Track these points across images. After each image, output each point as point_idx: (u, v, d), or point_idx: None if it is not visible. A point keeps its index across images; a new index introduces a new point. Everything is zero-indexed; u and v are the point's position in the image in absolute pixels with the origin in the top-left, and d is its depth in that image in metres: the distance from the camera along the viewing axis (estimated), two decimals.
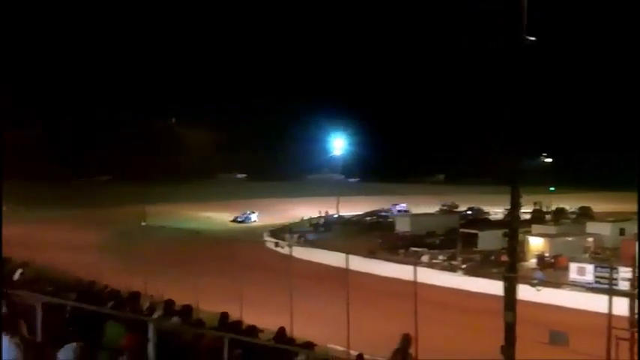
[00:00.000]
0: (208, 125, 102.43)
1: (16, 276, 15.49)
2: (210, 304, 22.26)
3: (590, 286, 37.93)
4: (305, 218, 77.65)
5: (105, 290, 18.14)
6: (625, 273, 33.01)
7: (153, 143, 77.07)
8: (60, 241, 35.29)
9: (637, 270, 16.49)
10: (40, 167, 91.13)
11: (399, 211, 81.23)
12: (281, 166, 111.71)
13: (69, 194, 78.17)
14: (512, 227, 21.20)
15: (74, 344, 5.32)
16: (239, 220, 79.87)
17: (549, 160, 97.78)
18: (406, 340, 13.19)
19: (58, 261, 32.48)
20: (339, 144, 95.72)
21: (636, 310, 15.09)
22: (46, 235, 36.60)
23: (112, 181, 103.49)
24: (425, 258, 48.79)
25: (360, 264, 43.62)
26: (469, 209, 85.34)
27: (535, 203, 79.62)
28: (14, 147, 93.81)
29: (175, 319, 13.00)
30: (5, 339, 5.76)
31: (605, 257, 43.98)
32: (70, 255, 33.18)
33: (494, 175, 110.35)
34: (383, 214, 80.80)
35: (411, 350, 13.20)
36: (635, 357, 16.90)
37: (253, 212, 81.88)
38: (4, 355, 5.59)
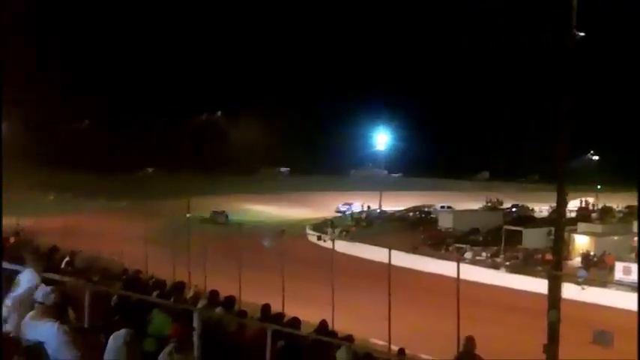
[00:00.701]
0: (253, 119, 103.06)
1: (63, 265, 15.83)
2: (251, 295, 22.49)
3: (636, 285, 37.27)
4: (347, 213, 77.70)
5: (150, 280, 18.46)
6: None
7: (198, 136, 77.82)
8: (107, 232, 35.96)
9: (637, 268, 16.22)
10: (89, 159, 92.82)
11: (442, 207, 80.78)
12: (324, 160, 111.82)
13: (116, 186, 79.45)
14: (559, 225, 21.08)
15: (123, 331, 5.47)
16: (341, 210, 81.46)
17: (596, 157, 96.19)
18: (470, 343, 13.12)
19: (105, 250, 33.08)
20: (382, 139, 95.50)
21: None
22: (94, 226, 37.30)
23: (158, 174, 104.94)
24: (468, 255, 48.51)
25: (402, 260, 43.57)
26: (513, 206, 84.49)
27: (581, 201, 78.53)
28: (65, 139, 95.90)
29: (219, 310, 13.21)
30: (54, 326, 5.94)
31: None
32: (117, 245, 33.76)
33: (540, 173, 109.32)
34: (426, 209, 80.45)
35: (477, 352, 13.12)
36: None
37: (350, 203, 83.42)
38: (53, 342, 5.77)
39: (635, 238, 51.39)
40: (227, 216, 68.66)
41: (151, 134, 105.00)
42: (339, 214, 78.06)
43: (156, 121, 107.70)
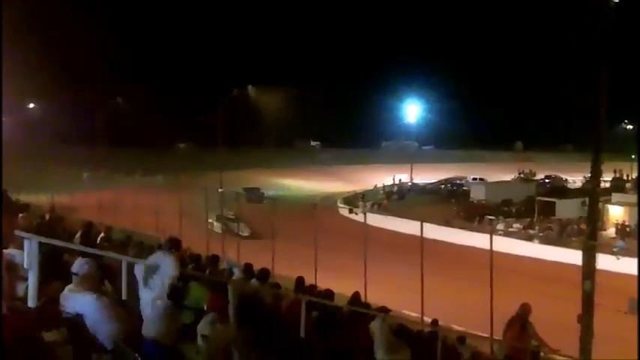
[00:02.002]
0: (285, 93, 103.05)
1: (99, 240, 16.10)
2: (285, 268, 22.65)
3: None
4: (379, 186, 77.55)
5: (185, 253, 18.67)
6: None
7: (231, 111, 78.03)
8: (142, 206, 36.34)
9: (637, 255, 15.98)
10: (123, 135, 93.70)
11: (474, 179, 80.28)
12: (355, 133, 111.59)
13: (150, 162, 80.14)
14: (593, 195, 20.90)
15: (159, 301, 5.56)
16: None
17: (630, 127, 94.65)
18: (525, 309, 13.11)
19: (140, 225, 33.51)
20: (413, 111, 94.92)
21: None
22: (129, 201, 37.72)
23: (192, 149, 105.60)
24: (501, 226, 48.23)
25: (434, 232, 43.46)
26: (547, 177, 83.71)
27: (615, 171, 77.48)
28: (99, 117, 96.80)
29: (254, 282, 13.35)
30: (92, 298, 6.04)
31: None
32: (151, 219, 34.15)
33: (573, 143, 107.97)
34: (458, 182, 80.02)
35: (530, 319, 13.10)
36: None
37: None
38: (92, 313, 5.88)
39: None
40: (263, 193, 63.73)
41: (184, 110, 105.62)
42: (371, 187, 77.89)
43: (189, 97, 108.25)
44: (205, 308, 6.71)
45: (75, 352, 5.03)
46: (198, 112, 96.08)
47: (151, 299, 7.46)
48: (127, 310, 6.54)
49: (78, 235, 15.96)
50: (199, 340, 4.99)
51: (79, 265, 6.35)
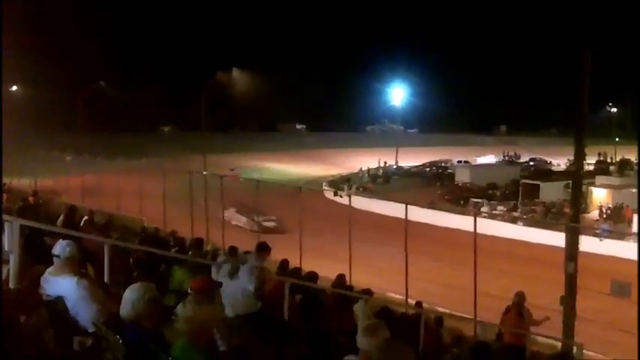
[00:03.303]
0: (269, 76, 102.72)
1: (82, 223, 15.98)
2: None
3: None
4: (364, 169, 77.59)
5: (169, 236, 18.61)
6: None
7: (214, 94, 77.55)
8: (125, 190, 36.18)
9: (637, 247, 16.09)
10: (106, 119, 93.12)
11: (459, 162, 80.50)
12: (340, 117, 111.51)
13: (133, 145, 79.71)
14: (576, 178, 21.00)
15: (137, 284, 5.50)
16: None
17: (614, 109, 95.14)
18: (520, 297, 13.25)
19: (123, 208, 33.36)
20: (398, 94, 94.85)
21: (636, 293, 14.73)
22: (112, 184, 37.53)
23: (175, 132, 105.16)
24: (485, 209, 48.42)
25: (419, 215, 43.49)
26: (531, 160, 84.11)
27: (599, 154, 77.99)
28: (81, 100, 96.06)
29: None
30: (73, 280, 6.00)
31: None
32: (135, 203, 34.01)
33: (557, 126, 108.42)
34: (443, 165, 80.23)
35: (526, 304, 13.29)
36: None
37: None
38: (72, 295, 5.83)
39: None
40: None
41: (167, 93, 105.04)
42: (356, 171, 77.91)
43: (172, 80, 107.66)
44: (188, 291, 6.67)
45: (56, 334, 4.98)
46: (182, 95, 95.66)
47: (241, 288, 9.68)
48: (108, 293, 6.50)
49: (61, 218, 15.85)
50: (179, 322, 4.94)
51: (60, 248, 6.29)
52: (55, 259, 6.22)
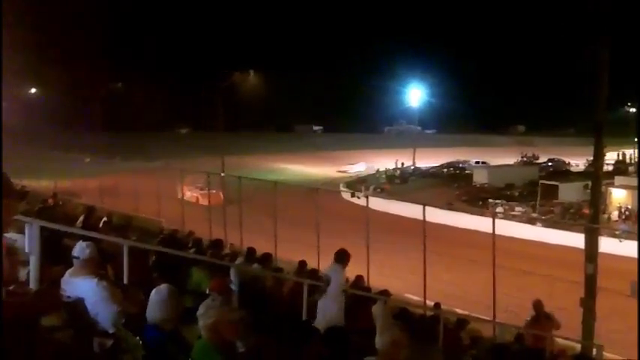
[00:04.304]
0: (286, 77, 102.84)
1: (101, 224, 16.06)
2: (287, 252, 22.65)
3: None
4: (381, 170, 77.49)
5: (188, 237, 18.68)
6: None
7: (232, 95, 77.73)
8: (144, 191, 36.32)
9: (637, 239, 15.93)
10: (125, 120, 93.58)
11: (476, 162, 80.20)
12: (357, 118, 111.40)
13: (151, 146, 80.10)
14: (596, 178, 20.86)
15: (164, 285, 5.54)
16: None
17: (633, 109, 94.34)
18: (538, 305, 13.33)
19: (142, 210, 33.48)
20: (415, 95, 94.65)
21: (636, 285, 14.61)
22: (131, 186, 37.70)
23: (193, 134, 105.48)
24: (503, 210, 48.20)
25: (437, 216, 43.43)
26: (549, 160, 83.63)
27: (618, 154, 77.41)
28: (100, 102, 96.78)
29: (256, 266, 13.34)
30: (93, 282, 6.03)
31: None
32: (153, 204, 34.13)
33: (576, 126, 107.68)
34: (460, 165, 79.96)
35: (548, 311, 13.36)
36: None
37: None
38: (92, 297, 5.86)
39: None
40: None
41: (186, 94, 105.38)
42: (374, 172, 77.79)
43: (189, 82, 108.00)
44: (207, 292, 6.70)
45: (75, 336, 5.00)
46: (199, 96, 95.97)
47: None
48: (127, 294, 6.53)
49: (80, 219, 15.95)
50: (200, 324, 4.96)
51: (80, 249, 6.33)
52: (74, 260, 6.26)
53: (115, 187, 38.92)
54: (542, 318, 13.31)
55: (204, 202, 38.03)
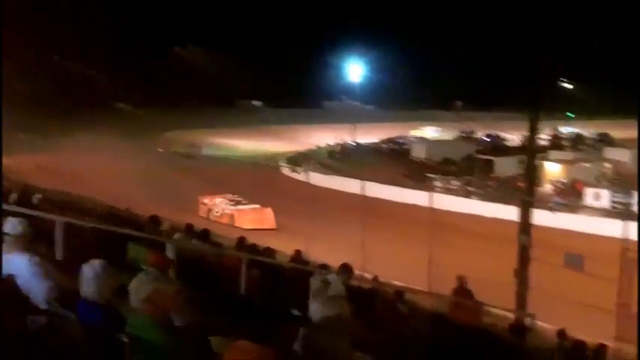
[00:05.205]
0: (226, 52, 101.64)
1: (35, 200, 15.77)
2: (226, 228, 22.62)
3: (606, 211, 38.05)
4: (322, 146, 77.59)
5: (124, 214, 18.48)
6: None
7: (170, 70, 76.69)
8: (80, 169, 35.74)
9: (637, 232, 16.48)
10: (60, 96, 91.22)
11: (416, 138, 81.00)
12: (296, 93, 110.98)
13: (88, 123, 78.47)
14: (530, 153, 21.37)
15: (96, 261, 5.48)
16: None
17: (570, 85, 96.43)
18: (462, 281, 13.54)
19: (78, 187, 32.96)
20: (356, 70, 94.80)
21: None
22: (66, 163, 37.04)
23: (131, 110, 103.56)
24: (441, 184, 48.87)
25: (376, 190, 43.88)
26: (487, 136, 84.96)
27: (554, 129, 79.14)
28: (32, 75, 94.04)
29: (195, 242, 13.29)
30: (25, 257, 5.94)
31: (621, 183, 43.84)
32: (90, 181, 33.65)
33: (513, 102, 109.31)
34: (400, 141, 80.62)
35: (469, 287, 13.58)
36: None
37: None
38: (24, 273, 5.78)
39: (606, 165, 52.26)
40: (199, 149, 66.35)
41: (124, 69, 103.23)
42: (315, 147, 77.81)
43: (128, 56, 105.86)
44: (144, 267, 6.64)
45: (7, 314, 4.92)
46: (139, 71, 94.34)
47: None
48: (61, 270, 6.45)
49: (14, 196, 15.61)
50: (134, 297, 4.93)
51: (11, 226, 6.22)
52: (5, 237, 6.14)
53: (51, 165, 38.15)
54: (463, 292, 13.60)
55: (244, 222, 31.30)
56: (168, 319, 5.27)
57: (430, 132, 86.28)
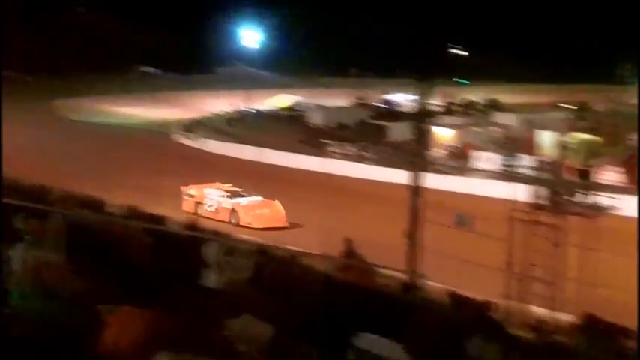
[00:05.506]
0: (118, 17, 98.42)
1: None
2: (120, 197, 22.17)
3: (496, 173, 39.49)
4: (217, 112, 76.77)
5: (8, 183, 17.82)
6: (528, 162, 34.56)
7: (61, 35, 73.64)
8: None
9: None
10: None
11: (311, 104, 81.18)
12: (191, 58, 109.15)
13: None
14: (422, 118, 21.85)
15: None
16: None
17: (464, 53, 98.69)
18: (348, 244, 13.71)
19: None
20: (251, 36, 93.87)
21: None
22: None
23: (19, 77, 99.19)
24: (337, 150, 49.32)
25: (273, 157, 44.04)
26: (382, 102, 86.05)
27: (446, 95, 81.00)
28: None
29: (85, 212, 13.00)
30: None
31: (510, 147, 45.38)
32: None
33: (407, 68, 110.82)
34: (296, 107, 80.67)
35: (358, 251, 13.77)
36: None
37: None
38: None
39: (496, 129, 54.04)
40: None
41: (11, 33, 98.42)
42: (209, 114, 76.81)
43: (15, 19, 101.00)
44: (24, 236, 6.47)
45: None
46: (25, 35, 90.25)
47: None
48: None
49: None
50: (15, 268, 4.82)
51: None
52: None
53: None
54: (352, 255, 13.91)
55: (252, 220, 27.00)
56: (53, 288, 5.19)
57: (326, 98, 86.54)
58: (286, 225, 26.34)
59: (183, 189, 29.00)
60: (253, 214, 27.03)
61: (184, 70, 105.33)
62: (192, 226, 14.17)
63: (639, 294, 11.66)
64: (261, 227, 25.59)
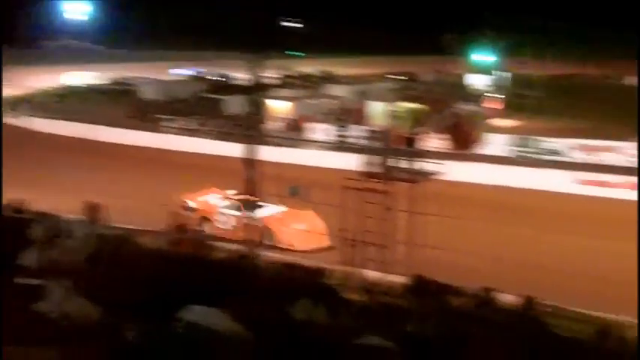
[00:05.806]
0: None
1: None
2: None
3: (330, 144, 40.42)
4: (44, 88, 73.23)
5: None
6: (359, 132, 35.71)
7: None
8: None
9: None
10: None
11: (144, 78, 79.18)
12: (12, 31, 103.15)
13: None
14: (256, 91, 22.07)
15: None
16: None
17: (300, 25, 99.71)
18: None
19: None
20: (82, 8, 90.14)
21: None
22: None
23: None
24: (172, 124, 48.54)
25: (104, 133, 42.75)
26: (217, 75, 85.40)
27: (281, 68, 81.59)
28: None
29: None
30: None
31: (343, 118, 46.43)
32: None
33: (242, 42, 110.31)
34: (128, 81, 78.37)
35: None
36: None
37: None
38: None
39: (331, 101, 55.11)
40: None
41: None
42: (35, 91, 73.09)
43: None
44: None
45: None
46: None
47: None
48: None
49: None
50: None
51: None
52: None
53: None
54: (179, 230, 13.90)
55: (292, 239, 21.33)
56: None
57: (161, 72, 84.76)
58: (329, 244, 20.95)
59: (181, 197, 23.69)
60: (290, 231, 21.70)
61: (8, 44, 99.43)
62: (14, 209, 13.48)
63: (639, 288, 11.35)
64: (308, 249, 20.33)
